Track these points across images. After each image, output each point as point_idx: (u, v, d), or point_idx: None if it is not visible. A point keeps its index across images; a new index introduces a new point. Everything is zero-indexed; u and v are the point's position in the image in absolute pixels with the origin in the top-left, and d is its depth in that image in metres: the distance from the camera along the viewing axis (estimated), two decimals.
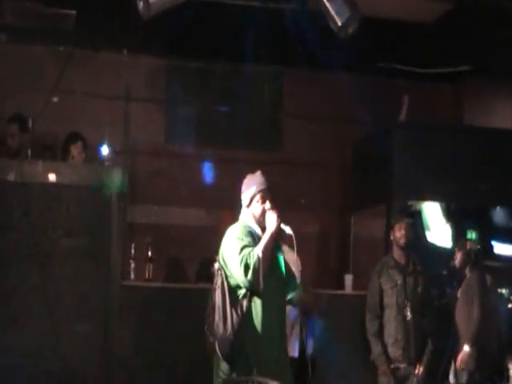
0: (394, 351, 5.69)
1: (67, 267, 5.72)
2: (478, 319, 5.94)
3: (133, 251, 6.52)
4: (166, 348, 6.02)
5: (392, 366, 5.67)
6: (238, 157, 7.51)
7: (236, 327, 3.95)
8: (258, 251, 3.98)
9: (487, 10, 6.13)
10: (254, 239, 4.11)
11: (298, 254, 4.07)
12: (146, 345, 6.02)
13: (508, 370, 6.18)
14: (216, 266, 4.18)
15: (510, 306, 7.44)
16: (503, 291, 7.42)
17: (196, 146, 7.54)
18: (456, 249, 6.43)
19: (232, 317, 3.98)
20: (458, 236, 7.04)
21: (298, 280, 4.26)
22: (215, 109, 7.68)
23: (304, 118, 7.78)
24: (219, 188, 7.32)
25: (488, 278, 6.32)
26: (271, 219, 4.11)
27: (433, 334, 5.80)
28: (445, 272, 6.99)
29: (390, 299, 5.83)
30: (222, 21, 6.36)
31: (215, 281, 4.13)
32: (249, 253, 3.97)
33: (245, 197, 4.29)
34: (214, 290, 4.10)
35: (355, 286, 6.77)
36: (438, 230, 7.66)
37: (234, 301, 4.02)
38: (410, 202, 7.43)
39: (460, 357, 5.91)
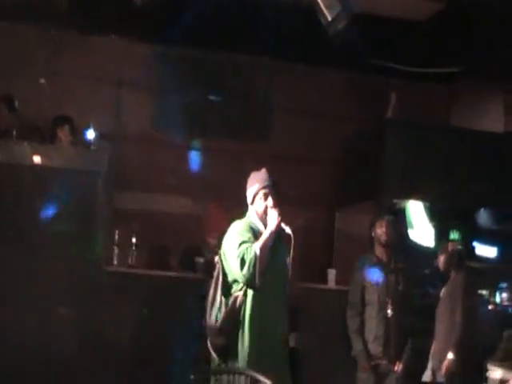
0: (375, 348, 5.71)
1: (54, 251, 5.71)
2: (460, 325, 5.96)
3: (116, 237, 6.51)
4: (147, 334, 6.03)
5: (372, 363, 5.69)
6: (227, 147, 7.51)
7: (225, 319, 3.98)
8: (255, 247, 4.00)
9: (480, 10, 6.13)
10: (256, 236, 4.13)
11: None
12: (126, 331, 6.02)
13: (487, 370, 6.23)
14: (216, 259, 4.20)
15: (490, 307, 7.52)
16: (484, 292, 7.50)
17: (185, 134, 7.51)
18: (440, 250, 6.46)
19: (221, 309, 4.00)
20: (441, 236, 7.08)
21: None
22: (205, 98, 7.66)
23: (295, 112, 7.78)
24: (207, 177, 7.32)
25: (471, 280, 6.36)
26: (272, 217, 4.12)
27: (413, 332, 5.83)
28: (427, 271, 7.03)
29: (371, 296, 5.83)
30: (215, 10, 6.32)
31: (214, 273, 4.18)
32: (246, 248, 4.00)
33: (249, 194, 4.31)
34: (211, 281, 4.14)
35: (339, 282, 6.80)
36: (421, 228, 7.69)
37: (227, 293, 4.04)
38: (395, 200, 7.45)
39: (445, 364, 5.94)
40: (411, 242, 7.52)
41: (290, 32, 6.22)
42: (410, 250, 7.05)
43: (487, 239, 7.77)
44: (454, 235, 6.85)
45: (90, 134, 6.48)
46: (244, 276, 3.98)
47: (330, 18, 4.95)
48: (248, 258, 3.96)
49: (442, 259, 6.33)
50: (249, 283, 4.00)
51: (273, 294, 4.10)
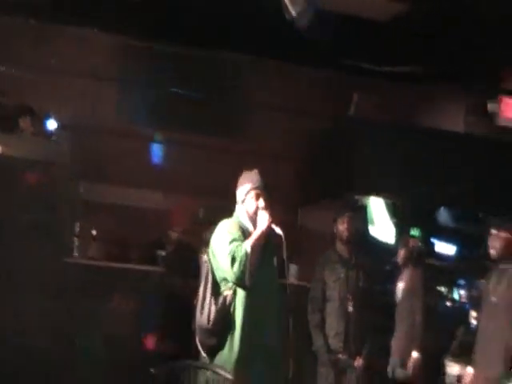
0: (335, 343, 5.73)
1: (13, 242, 5.64)
2: (421, 323, 6.04)
3: (77, 229, 6.47)
4: (103, 327, 6.01)
5: (333, 358, 5.73)
6: (197, 142, 7.48)
7: (214, 318, 3.96)
8: (246, 246, 3.97)
9: (444, 11, 6.20)
10: (245, 235, 4.09)
11: None
12: (86, 323, 5.98)
13: (444, 366, 6.32)
14: (204, 257, 4.16)
15: (448, 304, 7.64)
16: (443, 289, 7.61)
17: (156, 128, 7.48)
18: (399, 245, 6.53)
19: (210, 308, 3.98)
20: (402, 233, 7.16)
21: None
22: (178, 93, 7.60)
23: (260, 109, 7.77)
24: (177, 172, 7.29)
25: (428, 276, 6.44)
26: (263, 219, 4.11)
27: (374, 328, 5.88)
28: (388, 267, 7.11)
29: (332, 292, 5.84)
30: (191, 4, 6.28)
31: (202, 273, 4.14)
32: (236, 246, 3.96)
33: (239, 193, 4.26)
34: (200, 282, 4.11)
35: (301, 278, 6.82)
36: (383, 225, 7.77)
37: (216, 293, 4.02)
38: (356, 197, 7.51)
39: (411, 363, 6.01)
40: (372, 238, 7.60)
41: (263, 28, 6.20)
42: (371, 246, 7.13)
43: (447, 237, 7.90)
44: (415, 232, 6.94)
45: (52, 125, 6.40)
46: (234, 274, 3.93)
47: (294, 14, 4.96)
48: (239, 256, 3.92)
49: (401, 253, 6.41)
50: (238, 282, 3.95)
51: (262, 294, 4.06)
